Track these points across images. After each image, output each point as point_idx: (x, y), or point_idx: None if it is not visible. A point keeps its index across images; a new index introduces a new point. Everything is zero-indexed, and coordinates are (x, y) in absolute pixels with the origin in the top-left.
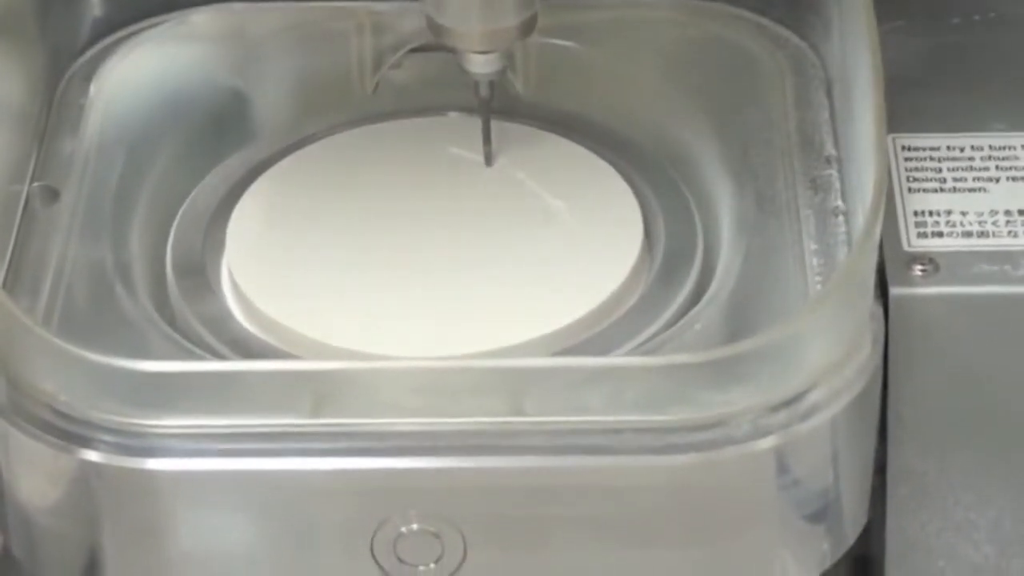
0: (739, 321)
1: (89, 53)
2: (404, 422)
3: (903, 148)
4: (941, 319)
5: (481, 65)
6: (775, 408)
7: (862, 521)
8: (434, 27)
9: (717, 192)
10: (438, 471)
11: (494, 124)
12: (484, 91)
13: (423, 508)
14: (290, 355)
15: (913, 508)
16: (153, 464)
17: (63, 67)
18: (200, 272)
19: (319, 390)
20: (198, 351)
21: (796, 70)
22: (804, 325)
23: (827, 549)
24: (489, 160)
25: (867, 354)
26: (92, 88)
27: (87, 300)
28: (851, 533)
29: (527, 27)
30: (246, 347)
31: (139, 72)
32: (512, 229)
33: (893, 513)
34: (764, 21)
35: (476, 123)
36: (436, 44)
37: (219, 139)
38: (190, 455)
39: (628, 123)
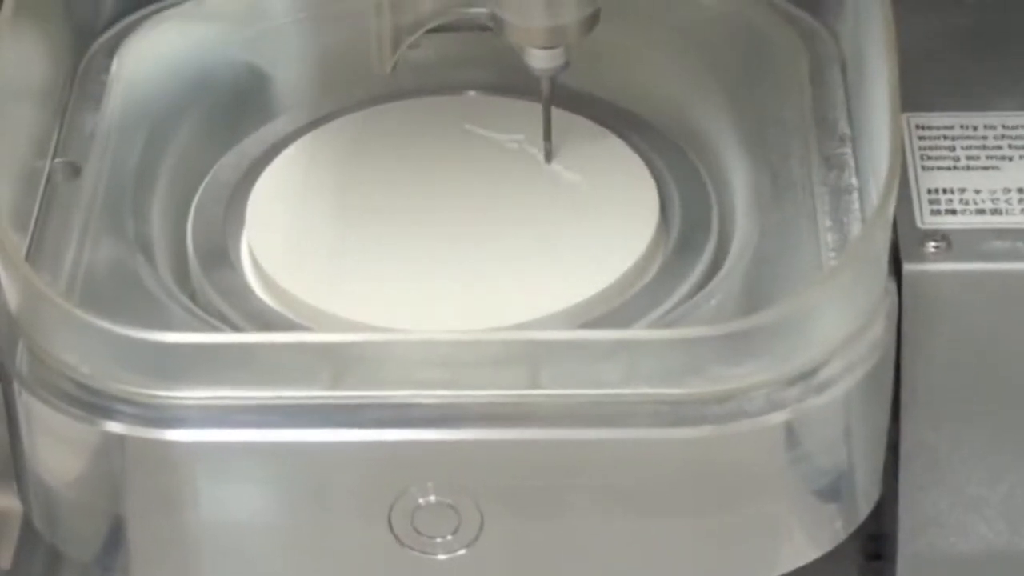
0: (754, 296)
1: (112, 30)
2: (422, 394)
3: (917, 127)
4: (954, 296)
5: (543, 61)
6: (789, 382)
7: (875, 496)
8: (497, 22)
9: (732, 169)
10: (456, 443)
11: (511, 104)
12: (546, 87)
13: (441, 480)
14: (309, 330)
15: (926, 484)
16: (174, 435)
17: (86, 44)
18: (220, 247)
19: (339, 362)
20: (218, 325)
21: (810, 48)
22: (818, 299)
23: (839, 523)
24: (549, 157)
25: (881, 329)
26: (114, 65)
27: (108, 274)
28: (864, 508)
29: (589, 23)
30: (266, 321)
31: (161, 49)
32: (529, 205)
33: (906, 489)
34: None
35: (494, 102)
36: (454, 24)
37: (239, 117)
38: (210, 426)
39: (643, 101)
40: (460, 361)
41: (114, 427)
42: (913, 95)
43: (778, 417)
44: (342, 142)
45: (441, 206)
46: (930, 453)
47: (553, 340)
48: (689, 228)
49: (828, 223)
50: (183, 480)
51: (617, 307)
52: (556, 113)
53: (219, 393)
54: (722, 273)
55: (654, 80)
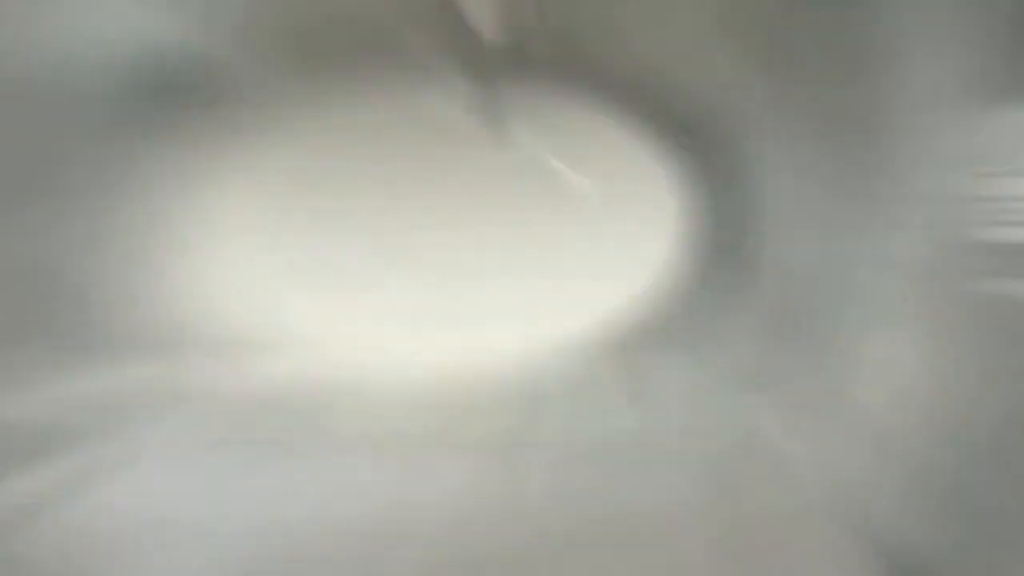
0: (784, 321)
1: None
2: (414, 426)
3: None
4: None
5: None
6: (812, 418)
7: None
8: None
9: (767, 173)
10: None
11: (522, 96)
12: None
13: None
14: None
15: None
16: None
17: None
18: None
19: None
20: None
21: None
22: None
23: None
24: None
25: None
26: None
27: None
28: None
29: None
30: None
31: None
32: (537, 220)
33: None
34: None
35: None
36: None
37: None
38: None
39: (669, 86)
40: (455, 392)
41: None
42: None
43: (799, 452)
44: (331, 149)
45: (443, 222)
46: None
47: (555, 370)
48: (716, 241)
49: (868, 235)
50: None
51: (631, 331)
52: (572, 109)
53: None
54: (750, 291)
55: (682, 60)
